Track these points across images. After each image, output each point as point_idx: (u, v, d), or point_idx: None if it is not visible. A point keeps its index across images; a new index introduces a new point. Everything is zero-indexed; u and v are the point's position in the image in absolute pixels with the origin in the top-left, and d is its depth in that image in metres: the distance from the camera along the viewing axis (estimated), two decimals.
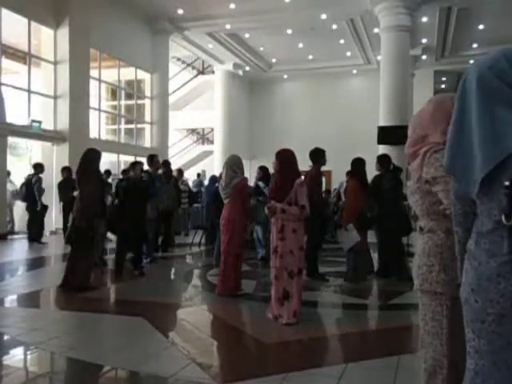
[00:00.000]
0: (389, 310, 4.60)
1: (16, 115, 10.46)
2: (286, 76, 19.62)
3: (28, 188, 9.17)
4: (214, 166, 16.96)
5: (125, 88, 15.55)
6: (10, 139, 10.54)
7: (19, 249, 8.85)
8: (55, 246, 9.17)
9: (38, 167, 9.31)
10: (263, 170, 7.37)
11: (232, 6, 12.79)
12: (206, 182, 12.00)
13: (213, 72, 18.78)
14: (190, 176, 14.72)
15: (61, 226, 9.79)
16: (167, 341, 3.44)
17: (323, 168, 5.88)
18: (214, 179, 9.00)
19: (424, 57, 16.60)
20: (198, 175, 14.20)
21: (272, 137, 17.77)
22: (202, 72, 19.89)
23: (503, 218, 1.12)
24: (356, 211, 5.53)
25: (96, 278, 5.45)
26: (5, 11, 10.12)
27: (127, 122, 15.73)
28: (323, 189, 8.02)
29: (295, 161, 4.04)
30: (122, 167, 12.32)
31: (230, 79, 18.27)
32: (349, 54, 16.97)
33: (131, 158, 12.50)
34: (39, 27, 11.28)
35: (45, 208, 9.33)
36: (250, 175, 8.95)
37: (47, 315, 4.20)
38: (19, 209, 10.82)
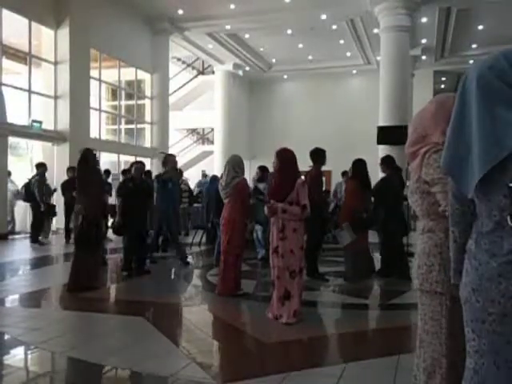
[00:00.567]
0: (389, 310, 4.61)
1: (16, 115, 10.47)
2: (285, 76, 19.63)
3: (27, 189, 9.21)
4: (214, 166, 16.97)
5: (125, 88, 15.56)
6: (11, 139, 10.55)
7: (20, 249, 8.85)
8: (56, 245, 9.18)
9: (40, 167, 9.33)
10: (263, 170, 7.38)
11: (232, 6, 12.80)
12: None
13: (213, 72, 18.78)
14: (189, 176, 14.71)
15: (62, 225, 9.83)
16: (167, 340, 3.44)
17: (323, 168, 5.90)
18: (214, 179, 9.01)
19: (424, 57, 16.60)
20: (205, 175, 14.14)
21: (272, 137, 17.76)
22: (202, 72, 19.90)
23: (508, 219, 1.12)
24: (353, 211, 5.58)
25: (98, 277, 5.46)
26: (5, 12, 10.13)
27: (127, 122, 15.74)
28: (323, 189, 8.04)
29: (295, 160, 4.05)
30: (122, 167, 12.33)
31: (230, 79, 18.27)
32: (349, 54, 16.97)
33: (131, 158, 12.52)
34: (39, 27, 11.29)
35: (52, 207, 9.36)
36: (250, 175, 8.95)
37: (48, 315, 4.20)
38: (20, 209, 10.85)
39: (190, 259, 6.60)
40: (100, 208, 5.21)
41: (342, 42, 15.68)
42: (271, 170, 5.67)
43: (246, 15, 13.19)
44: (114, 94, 15.39)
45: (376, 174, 6.70)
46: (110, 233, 7.54)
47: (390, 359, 3.01)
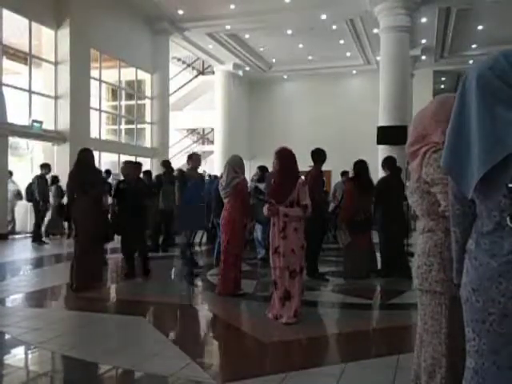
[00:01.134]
0: (388, 310, 4.61)
1: (17, 115, 10.47)
2: (285, 76, 19.63)
3: (28, 189, 9.27)
4: (214, 166, 16.98)
5: (125, 88, 15.57)
6: (11, 139, 10.56)
7: (20, 249, 8.86)
8: (56, 245, 9.19)
9: (42, 168, 9.39)
10: (263, 170, 7.39)
11: (232, 6, 12.81)
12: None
13: (213, 72, 18.79)
14: None
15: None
16: (167, 340, 3.46)
17: (323, 168, 5.92)
18: (214, 179, 9.02)
19: (423, 57, 16.61)
20: (210, 176, 14.08)
21: (272, 137, 17.76)
22: (202, 72, 19.91)
23: (508, 219, 1.13)
24: (350, 212, 5.64)
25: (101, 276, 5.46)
26: (6, 12, 10.14)
27: (127, 122, 15.74)
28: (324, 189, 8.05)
29: (295, 160, 4.06)
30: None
31: (230, 79, 18.28)
32: (348, 54, 16.98)
33: (132, 159, 12.50)
34: (40, 28, 11.30)
35: (61, 207, 9.39)
36: (250, 175, 8.96)
37: (48, 315, 4.21)
38: (21, 209, 10.86)
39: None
40: (99, 208, 5.20)
41: (341, 42, 15.69)
42: (271, 169, 5.69)
43: (246, 15, 13.20)
44: (115, 94, 15.40)
45: (376, 174, 6.71)
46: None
47: (389, 359, 3.01)
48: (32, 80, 10.87)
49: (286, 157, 4.01)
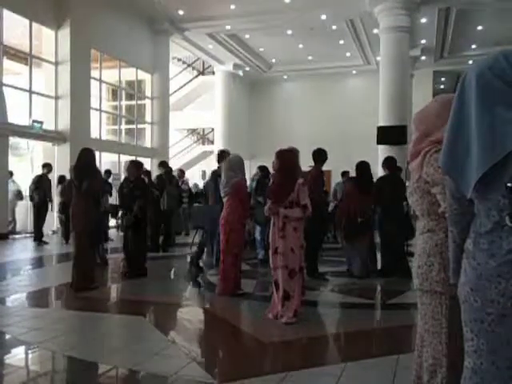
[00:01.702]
0: (388, 310, 4.62)
1: (17, 115, 10.48)
2: (285, 76, 19.64)
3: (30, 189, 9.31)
4: (214, 166, 16.96)
5: (125, 88, 15.58)
6: (12, 139, 10.57)
7: (20, 248, 8.86)
8: (56, 245, 9.19)
9: (44, 167, 9.42)
10: (263, 169, 7.38)
11: (232, 6, 12.81)
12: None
13: (213, 72, 18.79)
14: (189, 176, 14.72)
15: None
16: (167, 340, 3.46)
17: (323, 168, 5.93)
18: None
19: (423, 57, 16.61)
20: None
21: (272, 137, 17.77)
22: (202, 72, 19.91)
23: (507, 219, 1.12)
24: (348, 214, 5.66)
25: (97, 277, 5.47)
26: (6, 12, 10.14)
27: (128, 123, 15.75)
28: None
29: (296, 161, 4.06)
30: (123, 167, 12.33)
31: (230, 80, 18.28)
32: (348, 54, 16.98)
33: (132, 159, 12.51)
34: (40, 28, 11.31)
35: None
36: (250, 175, 8.96)
37: (48, 315, 4.21)
38: (21, 209, 10.87)
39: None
40: (97, 208, 5.20)
41: (341, 42, 15.69)
42: (270, 170, 5.70)
43: (246, 15, 13.20)
44: (115, 94, 15.40)
45: (376, 174, 6.72)
46: (110, 232, 7.56)
47: (389, 359, 3.01)
48: (32, 80, 10.88)
49: (285, 158, 4.01)
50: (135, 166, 6.11)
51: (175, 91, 17.94)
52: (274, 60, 18.20)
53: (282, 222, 3.85)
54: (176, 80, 18.15)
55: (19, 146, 12.74)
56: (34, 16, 10.75)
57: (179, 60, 19.12)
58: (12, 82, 10.82)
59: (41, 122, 10.77)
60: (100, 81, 12.97)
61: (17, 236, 10.37)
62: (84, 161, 5.13)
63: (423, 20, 13.42)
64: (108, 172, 9.92)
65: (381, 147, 11.95)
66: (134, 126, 15.21)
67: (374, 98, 13.45)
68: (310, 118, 18.89)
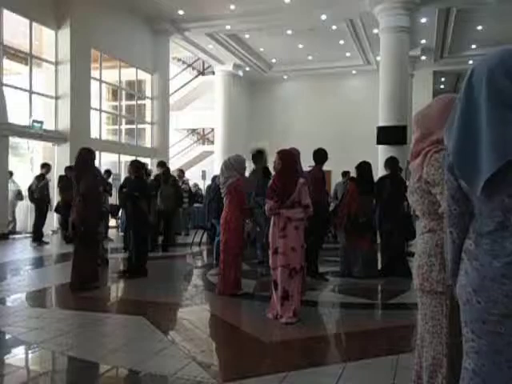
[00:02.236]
0: (388, 309, 4.62)
1: (17, 115, 10.48)
2: (285, 76, 19.63)
3: (29, 189, 9.31)
4: (214, 166, 16.98)
5: (125, 88, 15.57)
6: (12, 139, 10.57)
7: (20, 248, 8.86)
8: (56, 245, 9.19)
9: (43, 167, 9.42)
10: (263, 169, 7.37)
11: (232, 7, 12.81)
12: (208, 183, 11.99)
13: (213, 73, 18.79)
14: (189, 176, 14.72)
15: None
16: (167, 340, 3.46)
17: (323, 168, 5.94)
18: (214, 179, 9.03)
19: (423, 57, 16.61)
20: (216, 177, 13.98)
21: (272, 137, 17.77)
22: (202, 73, 19.92)
23: None
24: (349, 214, 5.66)
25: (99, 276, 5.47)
26: (6, 12, 10.15)
27: (128, 123, 15.75)
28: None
29: (298, 161, 4.06)
30: (123, 167, 12.35)
31: (230, 80, 18.28)
32: (348, 54, 16.98)
33: (132, 159, 12.52)
34: (40, 28, 11.32)
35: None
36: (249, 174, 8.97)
37: (48, 314, 4.21)
38: (21, 209, 10.87)
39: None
40: (96, 208, 5.20)
41: (341, 42, 15.69)
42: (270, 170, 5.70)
43: (246, 16, 13.20)
44: (115, 94, 15.41)
45: (376, 174, 6.73)
46: (110, 232, 7.57)
47: (389, 359, 3.01)
48: (32, 80, 10.88)
49: (288, 157, 4.02)
50: (134, 167, 6.14)
51: (175, 91, 17.95)
52: (274, 60, 18.20)
53: (283, 222, 3.85)
54: (176, 80, 18.15)
55: (19, 146, 12.74)
56: (34, 16, 10.75)
57: (179, 60, 19.13)
58: (12, 82, 10.82)
59: (41, 122, 10.77)
60: (100, 81, 12.97)
61: (17, 236, 10.37)
62: (81, 160, 5.13)
63: (423, 20, 13.42)
64: (108, 172, 9.92)
65: (381, 147, 11.95)
66: (134, 126, 15.21)
67: (374, 98, 13.45)
68: (309, 117, 18.89)
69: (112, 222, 10.93)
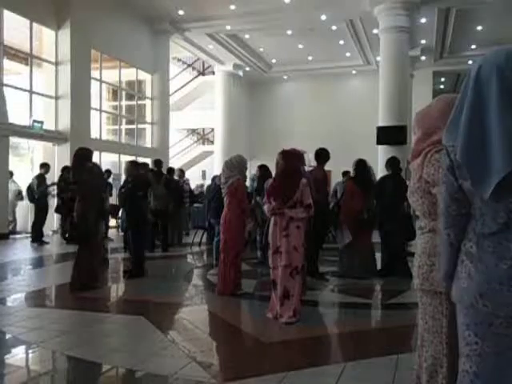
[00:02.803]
0: (388, 309, 4.62)
1: (18, 115, 10.49)
2: (285, 77, 19.64)
3: (28, 189, 9.31)
4: (214, 166, 16.98)
5: (126, 89, 15.58)
6: (12, 139, 10.57)
7: (20, 248, 8.87)
8: (56, 245, 9.19)
9: (42, 167, 9.42)
10: (262, 169, 7.37)
11: (232, 7, 12.82)
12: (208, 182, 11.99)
13: (213, 73, 18.80)
14: (189, 176, 14.72)
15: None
16: (167, 340, 3.46)
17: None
18: (214, 179, 9.02)
19: (423, 57, 16.61)
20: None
21: (272, 137, 17.79)
22: (202, 73, 19.92)
23: None
24: (352, 212, 5.65)
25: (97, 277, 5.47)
26: (6, 12, 10.15)
27: (128, 123, 15.76)
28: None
29: (301, 161, 4.06)
30: (123, 167, 12.32)
31: (230, 80, 18.29)
32: (348, 54, 16.98)
33: (132, 159, 12.52)
34: (40, 28, 11.32)
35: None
36: (250, 175, 8.97)
37: (49, 314, 4.21)
38: (22, 209, 10.87)
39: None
40: (96, 208, 5.20)
41: (341, 42, 15.70)
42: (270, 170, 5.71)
43: (246, 16, 13.20)
44: (115, 94, 15.40)
45: (376, 174, 6.73)
46: (110, 232, 7.57)
47: (389, 359, 3.01)
48: (33, 80, 10.89)
49: (291, 158, 4.02)
50: (132, 165, 6.15)
51: (175, 91, 17.95)
52: (274, 60, 18.21)
53: (285, 222, 3.85)
54: (176, 80, 18.15)
55: (19, 146, 12.74)
56: (34, 16, 10.76)
57: (179, 60, 19.13)
58: (12, 82, 10.83)
59: (41, 122, 10.77)
60: (100, 81, 12.97)
61: (17, 236, 10.37)
62: (78, 160, 5.13)
63: (423, 20, 13.42)
64: (108, 172, 9.92)
65: (381, 147, 11.96)
66: (134, 126, 15.22)
67: (374, 97, 13.45)
68: (309, 117, 18.89)
69: (112, 222, 10.93)
